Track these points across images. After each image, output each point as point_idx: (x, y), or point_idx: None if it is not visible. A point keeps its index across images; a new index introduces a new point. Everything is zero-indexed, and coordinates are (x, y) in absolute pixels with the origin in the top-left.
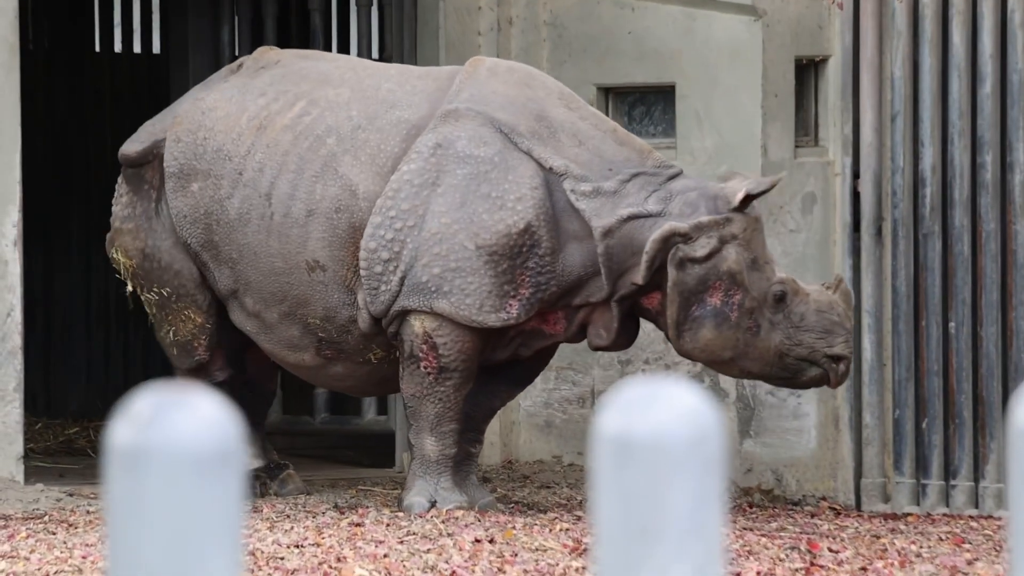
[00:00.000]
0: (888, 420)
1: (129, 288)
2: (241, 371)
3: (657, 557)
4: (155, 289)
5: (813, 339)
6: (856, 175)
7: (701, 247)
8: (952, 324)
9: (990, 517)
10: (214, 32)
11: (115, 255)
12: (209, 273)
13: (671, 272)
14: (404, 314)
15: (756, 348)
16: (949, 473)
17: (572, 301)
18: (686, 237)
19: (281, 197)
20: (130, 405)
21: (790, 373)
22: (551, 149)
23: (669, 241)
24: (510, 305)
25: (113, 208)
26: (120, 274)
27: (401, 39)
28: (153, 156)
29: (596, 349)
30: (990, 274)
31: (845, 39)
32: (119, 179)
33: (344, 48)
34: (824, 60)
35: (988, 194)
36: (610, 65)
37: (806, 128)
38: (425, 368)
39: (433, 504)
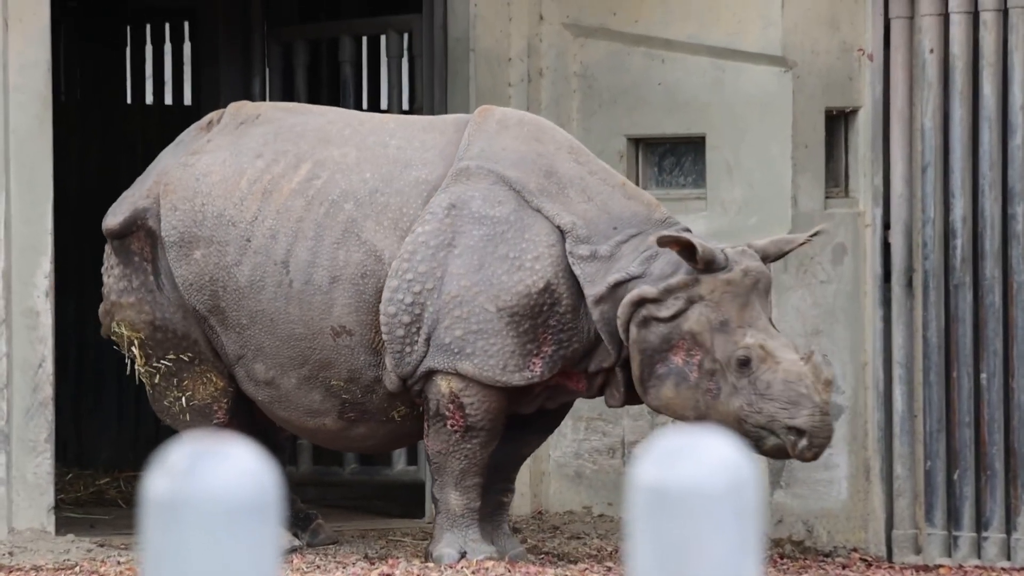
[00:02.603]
0: (919, 471)
1: (136, 358)
2: (252, 422)
3: None
4: (170, 356)
5: (775, 408)
6: (886, 226)
7: (667, 308)
8: (983, 375)
9: (1023, 569)
10: (245, 83)
11: (117, 329)
12: (216, 338)
13: (632, 331)
14: (430, 374)
15: (716, 411)
16: (981, 525)
17: (588, 367)
18: (655, 301)
19: (300, 264)
20: (166, 456)
21: (750, 441)
22: (560, 206)
23: (638, 305)
24: (533, 364)
25: (105, 280)
26: (119, 346)
27: (432, 90)
28: (136, 227)
29: (611, 407)
30: (1021, 325)
31: (875, 90)
32: (107, 250)
33: (375, 99)
34: (854, 111)
35: (1020, 245)
36: (640, 116)
37: (836, 179)
38: (452, 426)
39: (463, 555)
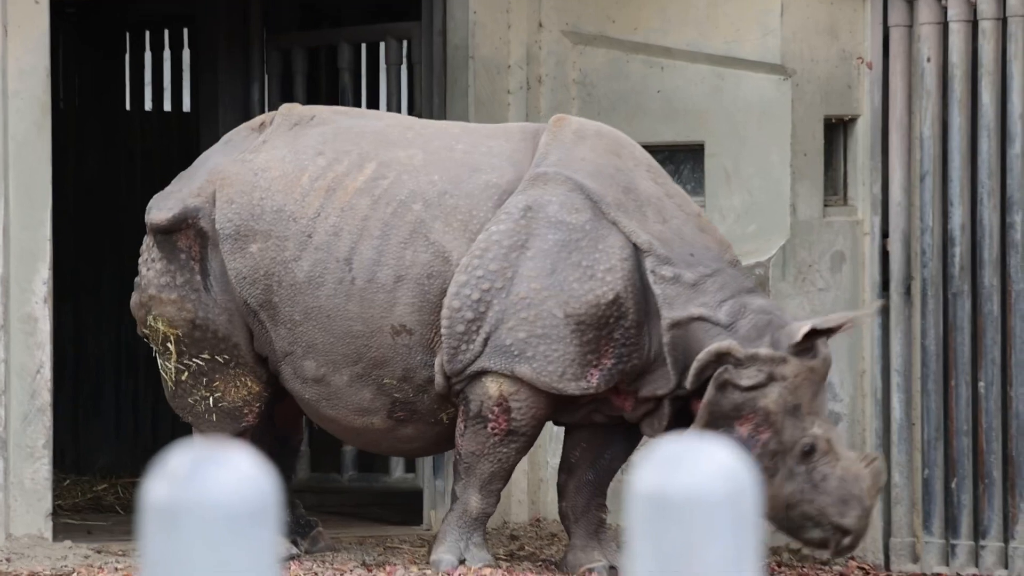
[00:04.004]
0: (917, 480)
1: (167, 354)
2: (270, 425)
3: None
4: (205, 356)
5: (827, 503)
6: (885, 234)
7: (748, 377)
8: (982, 384)
9: None
10: (244, 90)
11: (154, 323)
12: (263, 334)
13: (710, 390)
14: (479, 375)
15: (767, 491)
16: (978, 533)
17: (640, 392)
18: (738, 362)
19: (364, 262)
20: (166, 461)
21: (793, 526)
22: (636, 223)
23: (721, 359)
24: (591, 374)
25: (144, 273)
26: (150, 338)
27: (431, 98)
28: (185, 224)
29: (647, 436)
30: (1020, 334)
31: (874, 99)
32: (147, 242)
33: (374, 106)
34: (853, 119)
35: (1018, 254)
36: (639, 123)
37: (835, 187)
38: (492, 429)
39: (462, 562)
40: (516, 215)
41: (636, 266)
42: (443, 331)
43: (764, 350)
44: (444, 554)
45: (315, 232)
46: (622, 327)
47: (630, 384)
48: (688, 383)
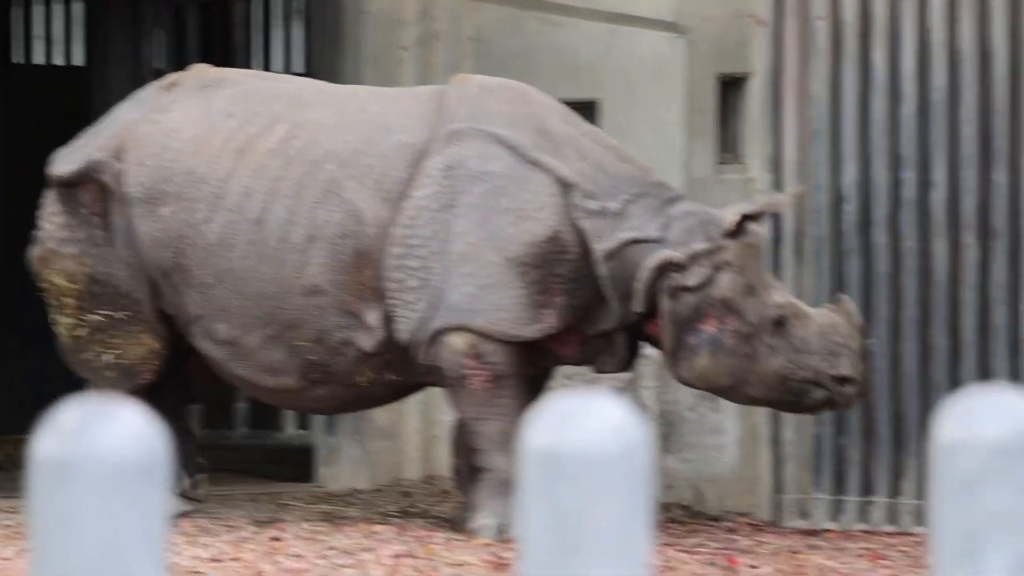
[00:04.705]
0: (807, 436)
1: (64, 308)
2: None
3: (584, 571)
4: (105, 311)
5: (817, 362)
6: (778, 192)
7: (694, 276)
8: (872, 341)
9: (907, 533)
10: (135, 45)
11: (51, 277)
12: (175, 297)
13: (664, 302)
14: (438, 336)
15: (755, 374)
16: (867, 489)
17: (588, 330)
18: (679, 266)
19: (276, 223)
20: (55, 417)
21: (795, 396)
22: (558, 161)
23: (663, 270)
24: (544, 315)
25: (43, 226)
26: (46, 292)
27: (323, 53)
28: (88, 178)
29: (601, 373)
30: (910, 291)
31: (767, 57)
32: (48, 196)
33: (267, 62)
34: (746, 77)
35: (909, 212)
36: (534, 81)
37: (728, 145)
38: (479, 383)
39: (503, 528)
40: (438, 176)
41: (566, 200)
42: (391, 303)
43: (700, 245)
44: (485, 519)
45: (226, 194)
46: (565, 261)
47: (579, 323)
48: (637, 306)
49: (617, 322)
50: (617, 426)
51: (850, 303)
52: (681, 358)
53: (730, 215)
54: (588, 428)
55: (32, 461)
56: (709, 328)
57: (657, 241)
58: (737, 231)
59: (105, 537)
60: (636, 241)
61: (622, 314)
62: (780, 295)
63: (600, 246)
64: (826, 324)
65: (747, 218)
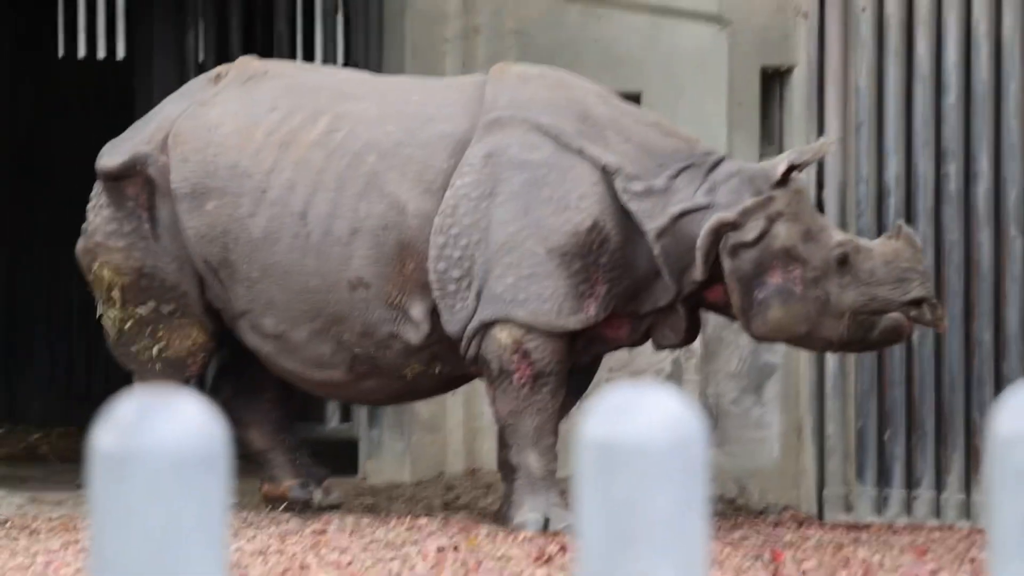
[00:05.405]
0: (851, 430)
1: (112, 301)
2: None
3: (640, 563)
4: (151, 304)
5: (888, 291)
6: (821, 185)
7: (750, 231)
8: (916, 335)
9: (952, 527)
10: (178, 37)
11: (99, 271)
12: (222, 292)
13: (726, 262)
14: (485, 329)
15: (830, 315)
16: (911, 483)
17: (640, 309)
18: (734, 225)
19: (319, 216)
20: (113, 409)
21: (864, 330)
22: (600, 147)
23: (719, 232)
24: (588, 305)
25: (91, 219)
26: (94, 285)
27: (367, 46)
28: (135, 172)
29: (662, 348)
30: (953, 285)
31: (810, 49)
32: (96, 189)
33: (309, 56)
34: (789, 70)
35: (952, 204)
36: (577, 73)
37: (771, 137)
38: (519, 379)
39: (547, 522)
40: (478, 165)
41: (608, 189)
42: (435, 295)
43: (750, 200)
44: (528, 514)
45: (270, 187)
46: (607, 252)
47: (626, 306)
48: (698, 274)
49: (673, 297)
50: (673, 418)
51: (907, 229)
52: (754, 315)
53: (778, 165)
54: (643, 420)
55: (91, 454)
56: (775, 279)
57: (707, 207)
58: (784, 180)
59: (164, 530)
60: (686, 212)
61: (677, 289)
62: (838, 233)
63: (652, 225)
64: (889, 252)
65: (794, 167)
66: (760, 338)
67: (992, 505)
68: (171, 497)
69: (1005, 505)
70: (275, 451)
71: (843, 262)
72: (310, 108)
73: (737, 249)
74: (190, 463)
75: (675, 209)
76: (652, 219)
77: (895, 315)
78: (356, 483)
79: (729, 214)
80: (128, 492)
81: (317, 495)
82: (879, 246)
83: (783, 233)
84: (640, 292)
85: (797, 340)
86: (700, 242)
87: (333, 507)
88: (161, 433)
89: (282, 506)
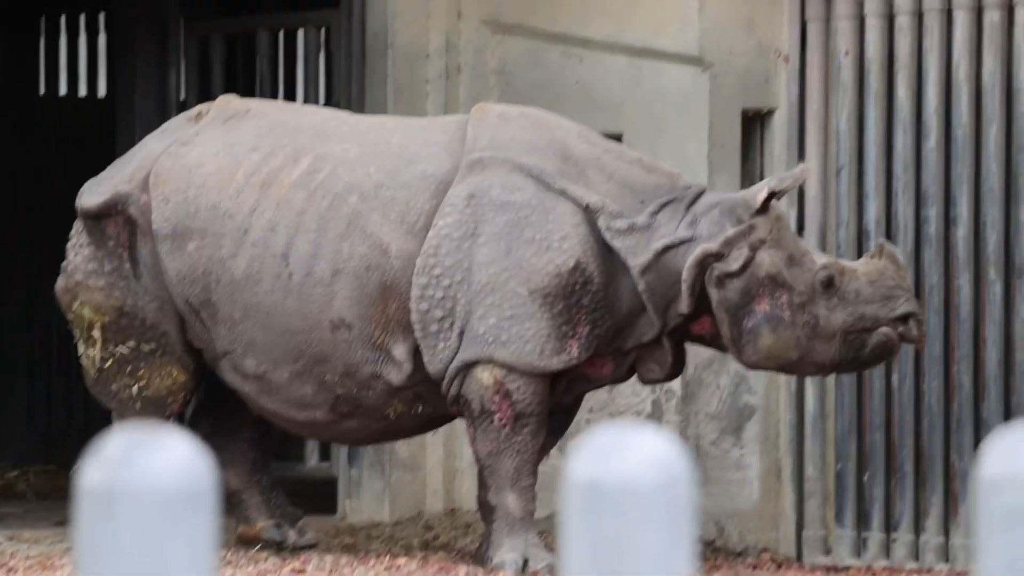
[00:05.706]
0: (830, 472)
1: (91, 341)
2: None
3: None
4: (131, 343)
5: (875, 309)
6: (801, 228)
7: (735, 260)
8: (895, 377)
9: (931, 571)
10: (160, 76)
11: (79, 310)
12: (204, 332)
13: (713, 293)
14: (467, 369)
15: (820, 338)
16: (890, 526)
17: (624, 345)
18: (718, 255)
19: (301, 257)
20: (100, 446)
21: (855, 350)
22: (582, 186)
23: (704, 264)
24: (570, 346)
25: (71, 258)
26: (73, 324)
27: (349, 86)
28: (115, 211)
29: (648, 383)
30: (933, 328)
31: (791, 92)
32: (76, 228)
33: (291, 95)
34: (770, 112)
35: (932, 248)
36: (558, 114)
37: (752, 179)
38: (500, 420)
39: (526, 562)
40: (460, 205)
41: (591, 229)
42: (417, 335)
43: (731, 230)
44: (507, 555)
45: (251, 228)
46: (589, 292)
47: (609, 345)
48: (684, 307)
49: (658, 332)
50: (659, 458)
51: (890, 247)
52: (744, 344)
53: (758, 193)
54: (630, 460)
55: (78, 491)
56: (763, 307)
57: (690, 240)
58: (765, 207)
59: (150, 566)
60: (669, 247)
61: (662, 323)
62: (820, 256)
63: (636, 261)
64: (873, 272)
65: (773, 194)
66: (752, 366)
67: (980, 547)
68: (158, 534)
69: (992, 547)
70: (250, 491)
71: (828, 284)
72: (291, 148)
73: (723, 279)
74: (177, 500)
75: (658, 244)
76: (636, 256)
77: (884, 330)
78: (335, 522)
79: (713, 245)
80: (115, 529)
81: (291, 535)
82: (862, 266)
83: (767, 260)
84: (624, 329)
85: (789, 366)
86: (685, 275)
87: (309, 547)
88: (148, 470)
89: (256, 547)
